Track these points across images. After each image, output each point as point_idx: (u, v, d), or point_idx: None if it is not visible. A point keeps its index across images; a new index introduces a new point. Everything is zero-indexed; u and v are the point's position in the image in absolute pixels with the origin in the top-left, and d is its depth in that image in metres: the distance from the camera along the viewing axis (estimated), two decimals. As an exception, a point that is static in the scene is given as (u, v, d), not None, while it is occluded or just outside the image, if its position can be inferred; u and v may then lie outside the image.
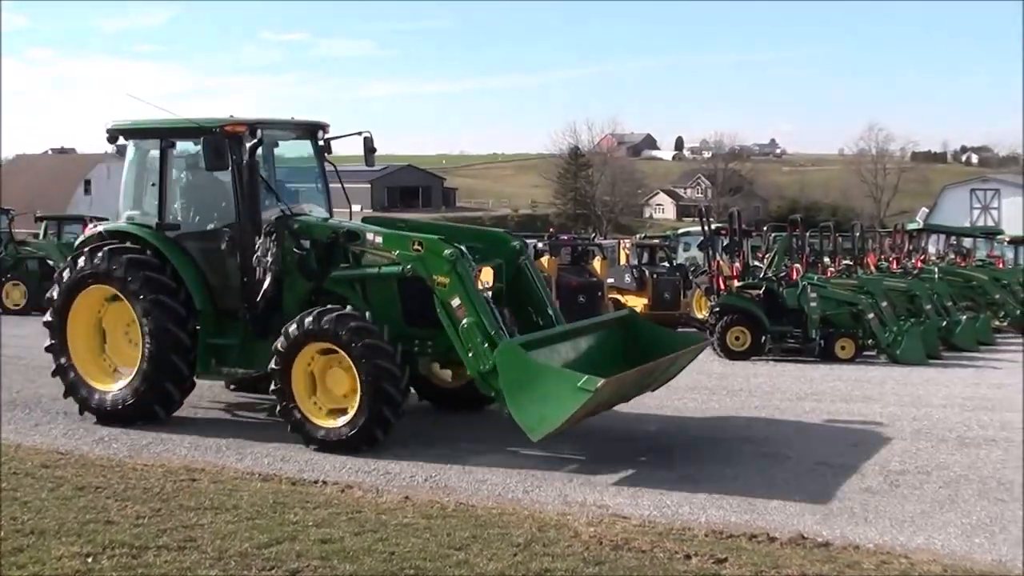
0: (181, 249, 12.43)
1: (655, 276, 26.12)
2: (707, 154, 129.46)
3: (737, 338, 19.56)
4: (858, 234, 25.32)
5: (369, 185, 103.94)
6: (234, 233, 12.19)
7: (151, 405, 12.23)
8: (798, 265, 21.26)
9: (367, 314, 11.08)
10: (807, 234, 23.34)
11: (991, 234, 35.76)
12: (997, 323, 24.69)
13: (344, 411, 11.03)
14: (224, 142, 11.82)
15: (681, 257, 32.02)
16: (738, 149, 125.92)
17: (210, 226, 12.69)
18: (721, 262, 21.78)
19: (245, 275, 12.11)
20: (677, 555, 7.54)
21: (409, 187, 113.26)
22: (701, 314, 24.13)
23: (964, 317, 22.30)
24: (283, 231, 12.00)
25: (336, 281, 11.90)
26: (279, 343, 11.16)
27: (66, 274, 12.71)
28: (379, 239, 11.72)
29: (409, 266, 11.24)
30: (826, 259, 23.10)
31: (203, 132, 11.88)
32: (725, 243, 23.15)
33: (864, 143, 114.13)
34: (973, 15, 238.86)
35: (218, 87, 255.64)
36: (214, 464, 10.46)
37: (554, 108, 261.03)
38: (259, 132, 12.14)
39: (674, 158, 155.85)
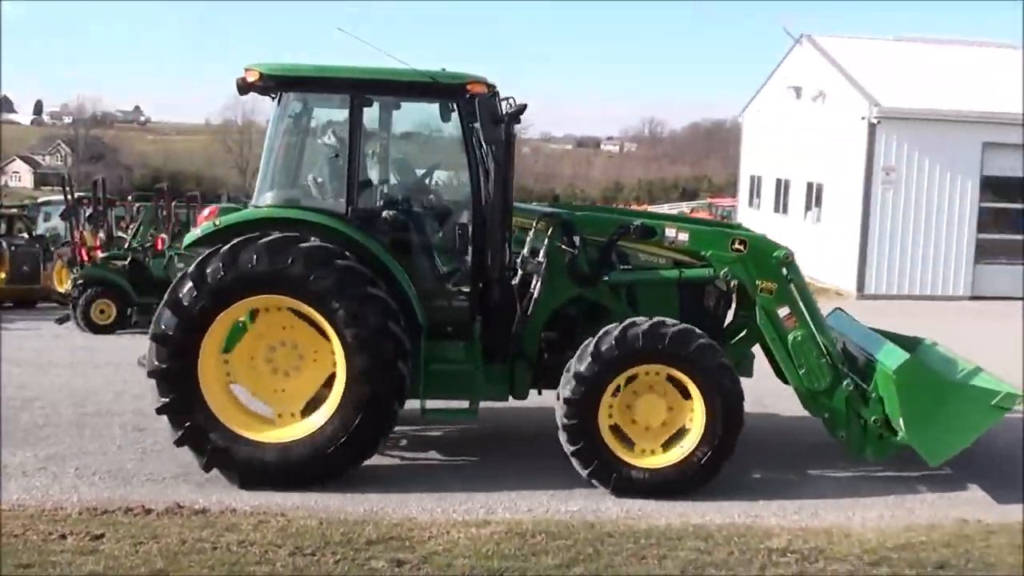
0: (382, 246, 9.16)
1: (13, 248, 24.50)
2: (68, 119, 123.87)
3: (102, 311, 19.01)
4: (224, 204, 25.68)
5: None
6: (468, 226, 9.33)
7: (373, 441, 8.94)
8: (164, 235, 21.16)
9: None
10: (173, 204, 23.23)
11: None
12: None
13: (662, 447, 9.06)
14: (498, 106, 9.11)
15: (41, 228, 30.39)
16: (101, 115, 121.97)
17: (416, 213, 9.64)
18: (84, 233, 21.12)
19: (484, 280, 9.36)
20: (52, 536, 7.32)
21: None
22: (63, 287, 23.10)
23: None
24: (555, 225, 9.54)
25: (603, 287, 9.62)
26: (584, 367, 8.78)
27: (186, 291, 8.69)
28: (683, 236, 9.66)
29: (726, 270, 9.45)
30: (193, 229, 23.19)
31: (443, 90, 9.21)
32: (89, 213, 22.52)
33: (231, 113, 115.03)
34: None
35: None
36: None
37: None
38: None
39: (32, 123, 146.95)
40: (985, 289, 25.34)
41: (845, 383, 9.32)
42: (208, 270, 8.67)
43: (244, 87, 9.28)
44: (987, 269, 25.58)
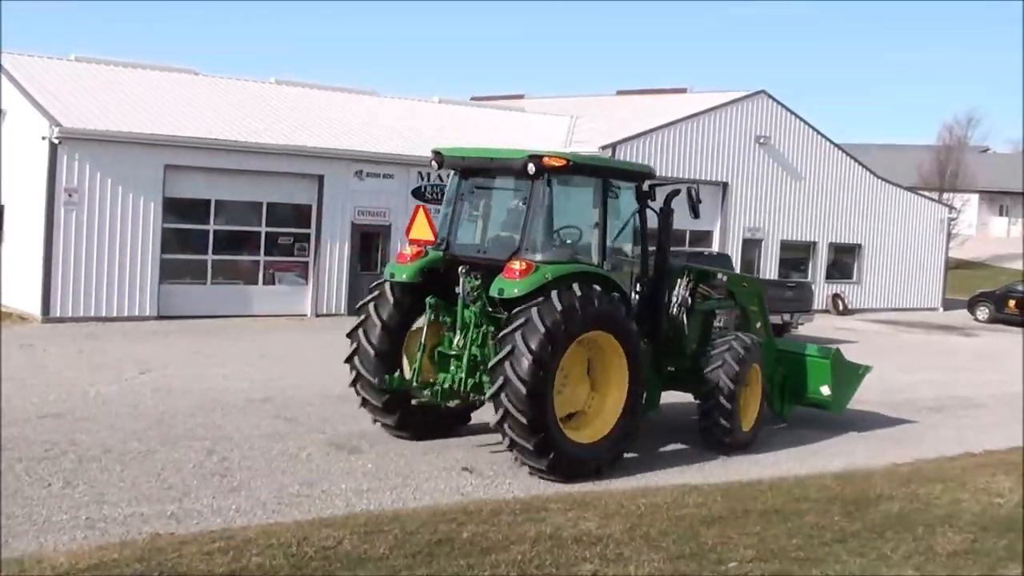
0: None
1: None
2: None
3: None
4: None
5: None
6: (646, 275, 13.43)
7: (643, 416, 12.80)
8: None
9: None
10: None
11: None
12: None
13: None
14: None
15: None
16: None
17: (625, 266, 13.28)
18: None
19: (652, 312, 13.52)
20: None
21: None
22: None
23: None
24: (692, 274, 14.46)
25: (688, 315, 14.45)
26: (729, 370, 13.66)
27: (539, 343, 10.97)
28: (724, 278, 15.29)
29: (743, 300, 15.35)
30: None
31: (644, 177, 13.34)
32: None
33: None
34: None
35: None
36: None
37: None
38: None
39: None
40: (171, 308, 26.02)
41: (778, 368, 15.53)
42: (549, 323, 11.05)
43: (542, 169, 11.81)
44: (172, 289, 26.35)
